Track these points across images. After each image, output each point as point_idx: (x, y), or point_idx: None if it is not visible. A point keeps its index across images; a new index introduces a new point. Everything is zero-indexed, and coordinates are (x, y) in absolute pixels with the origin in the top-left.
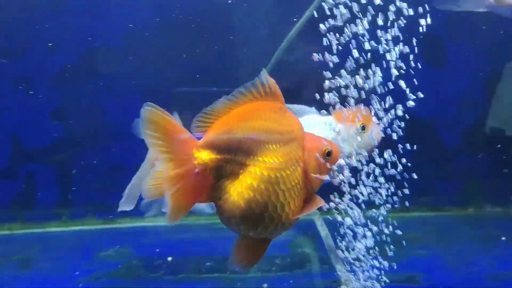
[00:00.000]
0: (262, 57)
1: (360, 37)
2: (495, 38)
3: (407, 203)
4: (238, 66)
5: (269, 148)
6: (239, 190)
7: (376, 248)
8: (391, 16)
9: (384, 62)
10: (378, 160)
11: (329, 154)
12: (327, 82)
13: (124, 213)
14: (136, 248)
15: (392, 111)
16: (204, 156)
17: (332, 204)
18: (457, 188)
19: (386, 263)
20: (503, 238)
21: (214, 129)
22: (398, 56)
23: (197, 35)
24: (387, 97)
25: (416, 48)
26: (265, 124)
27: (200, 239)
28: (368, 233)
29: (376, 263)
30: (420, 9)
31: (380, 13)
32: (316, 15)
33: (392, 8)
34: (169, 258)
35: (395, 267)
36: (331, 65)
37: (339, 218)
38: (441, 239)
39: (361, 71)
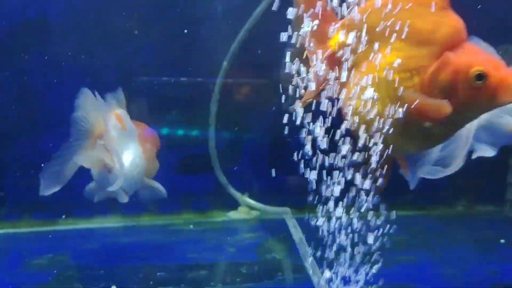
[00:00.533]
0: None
1: None
2: None
3: None
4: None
5: (394, 44)
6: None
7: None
8: None
9: None
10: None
11: (480, 78)
12: None
13: (67, 213)
14: (75, 255)
15: None
16: (338, 38)
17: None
18: (444, 184)
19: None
20: (502, 241)
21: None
22: None
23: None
24: None
25: None
26: (404, 17)
27: (154, 244)
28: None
29: (361, 271)
30: None
31: None
32: None
33: None
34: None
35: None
36: None
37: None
38: (429, 242)
39: None
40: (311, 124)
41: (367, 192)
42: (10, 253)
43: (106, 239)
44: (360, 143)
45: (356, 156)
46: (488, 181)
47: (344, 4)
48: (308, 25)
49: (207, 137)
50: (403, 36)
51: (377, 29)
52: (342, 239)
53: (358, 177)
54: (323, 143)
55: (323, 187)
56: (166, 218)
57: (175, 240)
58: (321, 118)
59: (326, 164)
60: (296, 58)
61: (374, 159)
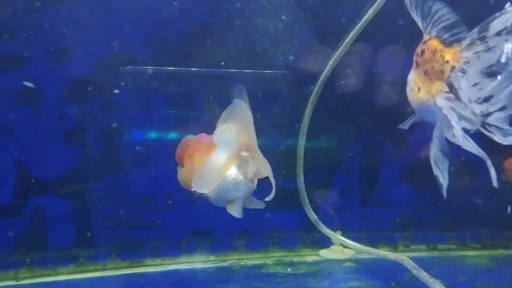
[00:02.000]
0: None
1: None
2: None
3: None
4: None
5: None
6: None
7: None
8: None
9: None
10: None
11: None
12: None
13: (155, 253)
14: None
15: None
16: None
17: None
18: None
19: None
20: None
21: None
22: None
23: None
24: None
25: None
26: None
27: None
28: None
29: None
30: None
31: None
32: None
33: None
34: None
35: None
36: None
37: None
38: None
39: None
40: None
41: None
42: None
43: (196, 284)
44: None
45: None
46: None
47: None
48: None
49: (295, 171)
50: None
51: None
52: None
53: None
54: None
55: None
56: (255, 256)
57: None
58: None
59: None
60: None
61: None
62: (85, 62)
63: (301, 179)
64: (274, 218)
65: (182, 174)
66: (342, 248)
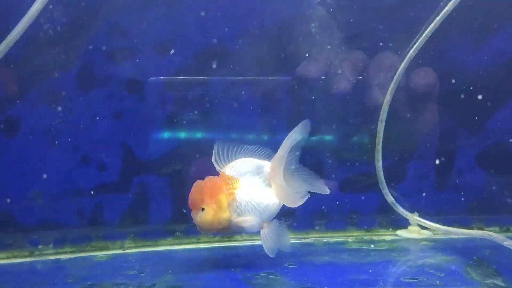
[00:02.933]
0: None
1: None
2: None
3: None
4: None
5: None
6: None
7: None
8: None
9: None
10: None
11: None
12: None
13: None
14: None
15: None
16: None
17: None
18: None
19: None
20: None
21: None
22: None
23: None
24: None
25: None
26: None
27: (355, 263)
28: None
29: None
30: None
31: None
32: None
33: None
34: None
35: None
36: None
37: None
38: None
39: None
40: None
41: None
42: (191, 267)
43: (284, 257)
44: None
45: None
46: None
47: None
48: None
49: (374, 156)
50: None
51: None
52: None
53: None
54: None
55: None
56: (335, 235)
57: (370, 260)
58: None
59: None
60: None
61: None
62: (184, 54)
63: (379, 163)
64: (353, 200)
65: (206, 215)
66: (419, 229)
